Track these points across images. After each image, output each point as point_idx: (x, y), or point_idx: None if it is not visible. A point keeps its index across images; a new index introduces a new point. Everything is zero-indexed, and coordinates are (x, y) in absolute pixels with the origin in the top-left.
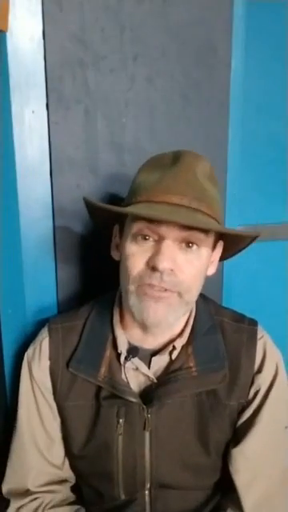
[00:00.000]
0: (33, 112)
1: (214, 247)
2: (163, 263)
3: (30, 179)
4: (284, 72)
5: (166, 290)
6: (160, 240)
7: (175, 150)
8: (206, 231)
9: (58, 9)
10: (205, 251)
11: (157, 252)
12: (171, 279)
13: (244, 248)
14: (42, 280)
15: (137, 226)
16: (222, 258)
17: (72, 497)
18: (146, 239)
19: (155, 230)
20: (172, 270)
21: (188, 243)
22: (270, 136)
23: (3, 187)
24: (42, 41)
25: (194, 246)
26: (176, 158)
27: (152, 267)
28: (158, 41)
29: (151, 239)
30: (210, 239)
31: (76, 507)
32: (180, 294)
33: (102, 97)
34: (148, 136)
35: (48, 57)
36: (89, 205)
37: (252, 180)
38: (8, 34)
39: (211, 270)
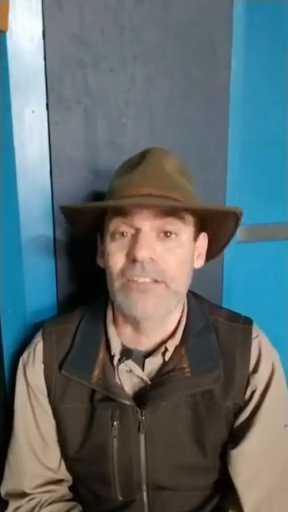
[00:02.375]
0: (33, 112)
1: (195, 238)
2: (141, 252)
3: (30, 179)
4: (284, 72)
5: (153, 280)
6: (137, 232)
7: (143, 149)
8: (182, 218)
9: (58, 9)
10: (185, 239)
11: (134, 243)
12: (153, 268)
13: (230, 237)
14: (42, 280)
15: (113, 224)
16: (213, 255)
17: (69, 494)
18: (123, 235)
19: (130, 223)
20: (152, 259)
21: (166, 232)
22: (270, 136)
23: (3, 187)
24: (41, 41)
25: (173, 235)
26: (143, 156)
27: (132, 259)
28: (157, 41)
29: (129, 234)
30: (189, 228)
31: (73, 503)
32: (166, 284)
33: (101, 97)
34: (148, 136)
35: (48, 57)
36: (64, 211)
37: (252, 180)
38: (8, 34)
39: (198, 263)
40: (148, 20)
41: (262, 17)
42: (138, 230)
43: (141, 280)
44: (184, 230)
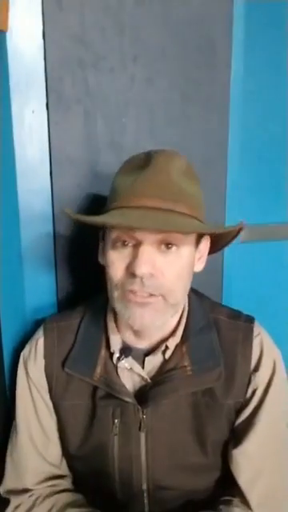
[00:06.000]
0: (33, 112)
1: (197, 244)
2: (140, 268)
3: (30, 179)
4: (284, 72)
5: (150, 295)
6: (138, 245)
7: (148, 151)
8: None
9: (58, 9)
10: (186, 250)
11: (134, 257)
12: (152, 283)
13: (231, 240)
14: (42, 280)
15: (115, 233)
16: (211, 252)
17: (72, 488)
18: (125, 245)
19: (132, 236)
20: (152, 274)
21: (167, 244)
22: (270, 136)
23: (3, 187)
24: (42, 41)
25: (174, 247)
26: (148, 159)
27: (132, 274)
28: (157, 41)
29: (130, 244)
30: (191, 237)
31: (77, 494)
32: (164, 297)
33: (101, 97)
34: (148, 136)
35: (48, 57)
36: (68, 217)
37: (252, 180)
38: (8, 34)
39: (199, 267)
40: (148, 20)
41: (262, 16)
42: (139, 242)
43: (139, 294)
44: (186, 240)
